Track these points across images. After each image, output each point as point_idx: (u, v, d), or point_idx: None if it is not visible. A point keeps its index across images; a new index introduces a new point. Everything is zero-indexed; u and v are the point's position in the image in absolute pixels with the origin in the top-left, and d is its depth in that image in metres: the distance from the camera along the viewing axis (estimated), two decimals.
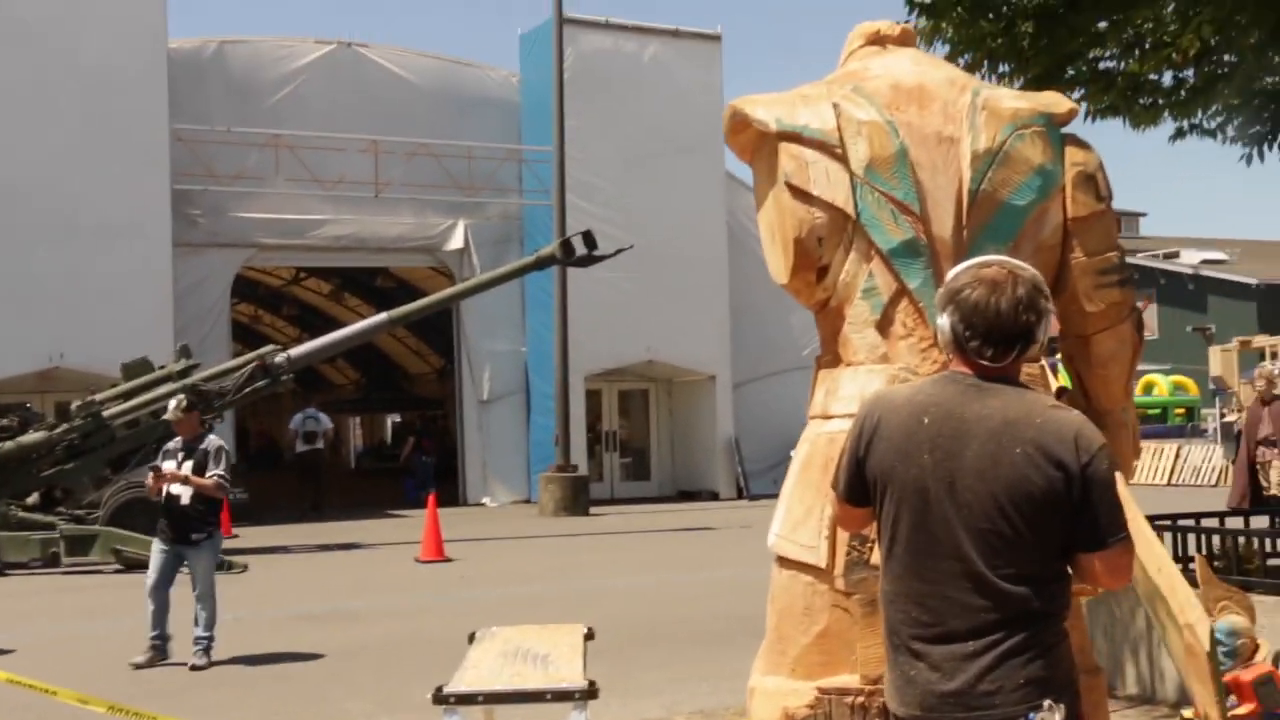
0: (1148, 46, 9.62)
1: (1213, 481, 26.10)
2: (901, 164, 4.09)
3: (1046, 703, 3.01)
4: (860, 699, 3.93)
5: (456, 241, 25.81)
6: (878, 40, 4.51)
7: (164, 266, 22.55)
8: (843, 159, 4.12)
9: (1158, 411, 38.47)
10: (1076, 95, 10.20)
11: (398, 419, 46.11)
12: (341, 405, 44.90)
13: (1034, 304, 3.14)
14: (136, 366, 17.80)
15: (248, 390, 17.62)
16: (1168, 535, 8.38)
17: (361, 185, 24.39)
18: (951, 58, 9.84)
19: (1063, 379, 4.43)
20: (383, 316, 19.22)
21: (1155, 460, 28.62)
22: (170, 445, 10.19)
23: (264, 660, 10.03)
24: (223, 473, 9.91)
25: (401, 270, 29.86)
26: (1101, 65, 10.17)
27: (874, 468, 3.23)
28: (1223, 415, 29.92)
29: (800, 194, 4.13)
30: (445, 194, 25.39)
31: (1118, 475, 4.16)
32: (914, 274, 4.07)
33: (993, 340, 3.11)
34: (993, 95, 4.25)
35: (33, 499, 17.35)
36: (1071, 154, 4.25)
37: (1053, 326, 4.22)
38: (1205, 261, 46.74)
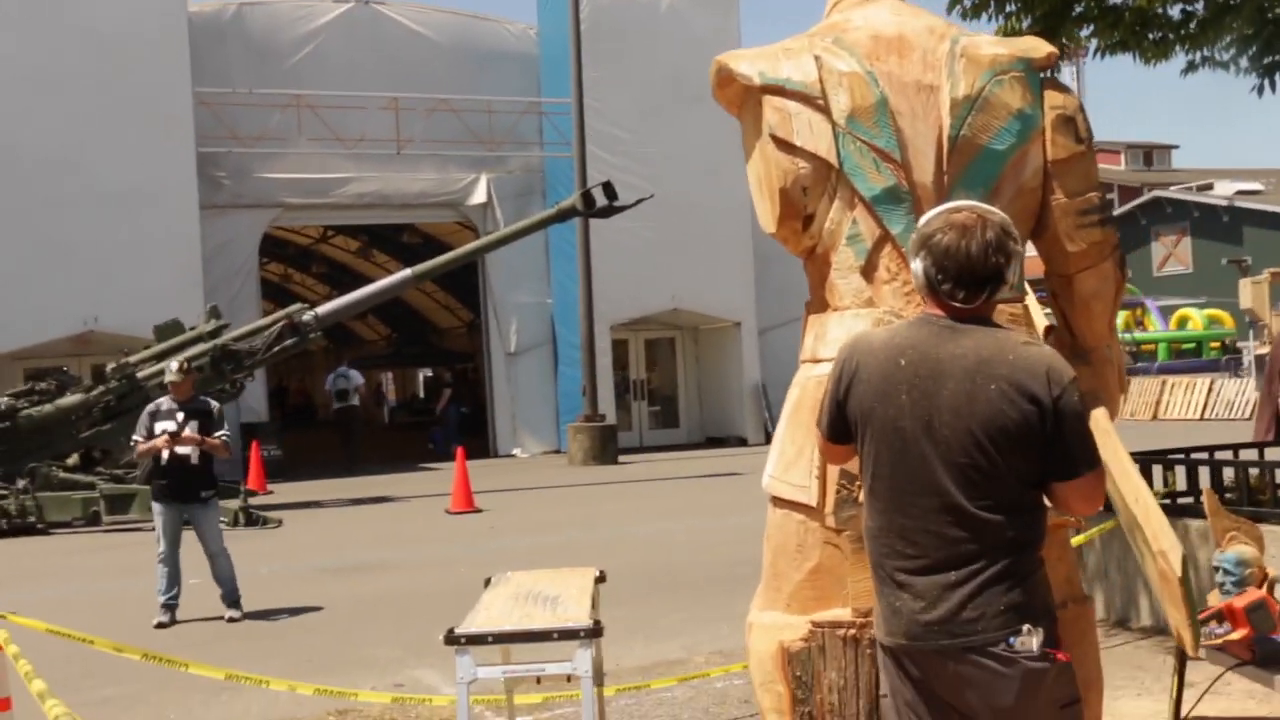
0: None
1: (1246, 415, 26.02)
2: (882, 113, 4.18)
3: (1025, 627, 3.16)
4: (852, 631, 4.06)
5: (479, 196, 25.96)
6: None
7: (192, 229, 22.84)
8: (825, 110, 4.20)
9: (1192, 346, 38.26)
10: (1085, 32, 10.21)
11: (429, 374, 46.47)
12: (374, 361, 45.32)
13: (1003, 246, 3.28)
14: (168, 328, 18.08)
15: (277, 348, 17.92)
16: (1180, 468, 8.48)
17: (383, 143, 24.53)
18: None
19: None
20: (407, 273, 19.38)
21: (1188, 395, 28.57)
22: (161, 406, 10.28)
23: (294, 612, 10.30)
24: (227, 433, 10.29)
25: (428, 226, 30.02)
26: (1109, 1, 10.14)
27: (854, 409, 3.38)
28: (1256, 348, 29.82)
29: (784, 145, 4.22)
30: (467, 149, 25.52)
31: (1103, 410, 4.29)
32: (896, 220, 4.17)
33: (964, 283, 3.25)
34: (971, 42, 4.32)
35: (73, 460, 17.78)
36: (1050, 98, 4.32)
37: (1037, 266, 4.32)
38: (1240, 192, 46.23)
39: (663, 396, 29.13)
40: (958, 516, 3.20)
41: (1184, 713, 5.24)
